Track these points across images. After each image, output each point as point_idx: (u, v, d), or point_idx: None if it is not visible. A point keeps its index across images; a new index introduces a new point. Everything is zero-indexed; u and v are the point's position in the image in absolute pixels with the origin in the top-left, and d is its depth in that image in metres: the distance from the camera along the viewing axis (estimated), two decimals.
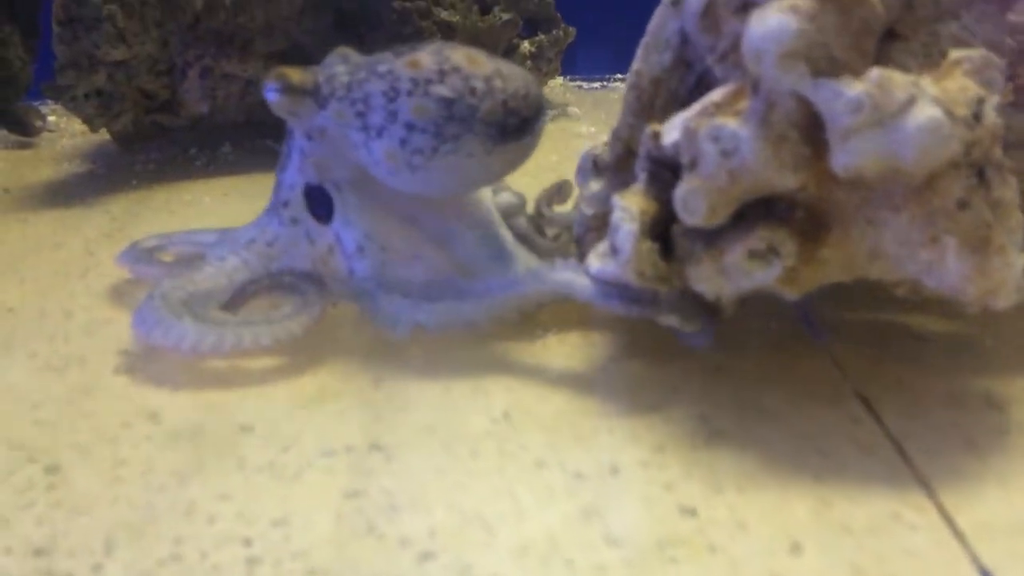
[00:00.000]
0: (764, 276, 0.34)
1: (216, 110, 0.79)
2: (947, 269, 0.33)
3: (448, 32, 0.83)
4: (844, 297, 0.41)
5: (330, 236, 0.44)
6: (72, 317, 0.48)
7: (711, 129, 0.34)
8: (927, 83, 0.34)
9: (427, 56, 0.41)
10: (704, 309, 0.38)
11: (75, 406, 0.39)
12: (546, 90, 1.05)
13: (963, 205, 0.33)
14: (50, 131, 0.94)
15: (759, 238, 0.34)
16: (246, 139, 0.85)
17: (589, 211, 0.47)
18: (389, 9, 0.79)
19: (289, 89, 0.42)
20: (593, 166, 0.49)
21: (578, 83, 1.15)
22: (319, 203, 0.44)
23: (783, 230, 0.34)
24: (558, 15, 0.98)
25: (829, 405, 0.37)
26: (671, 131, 0.37)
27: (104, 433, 0.37)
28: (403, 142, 0.40)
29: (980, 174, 0.34)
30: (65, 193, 0.72)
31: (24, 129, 0.91)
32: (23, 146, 0.89)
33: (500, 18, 0.91)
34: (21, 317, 0.49)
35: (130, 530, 0.31)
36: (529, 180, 0.47)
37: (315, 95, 0.42)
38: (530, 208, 0.50)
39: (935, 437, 0.35)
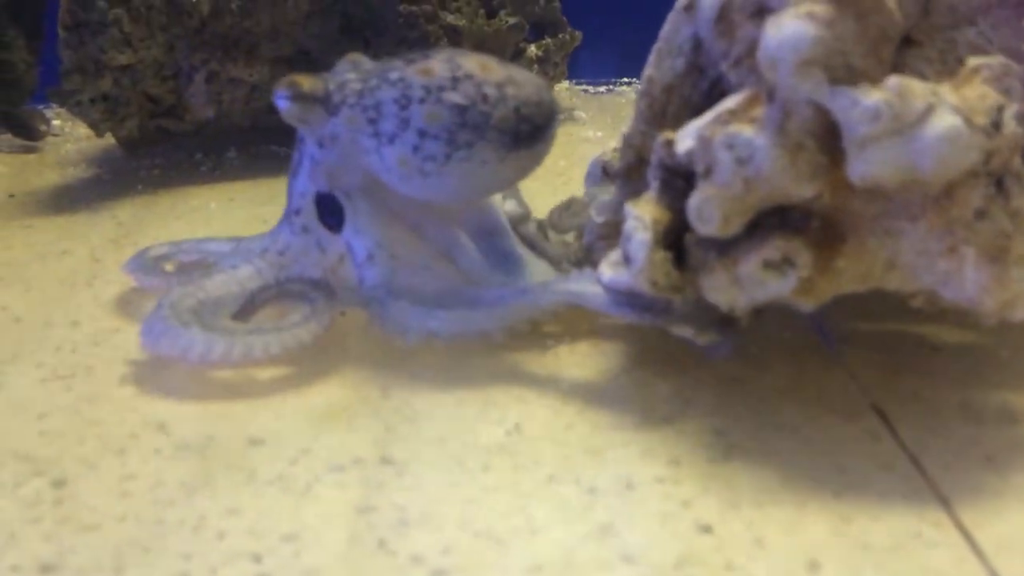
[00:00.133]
0: (779, 287, 0.34)
1: (222, 115, 0.79)
2: (965, 280, 0.33)
3: (454, 36, 0.83)
4: (857, 307, 0.41)
5: (341, 245, 0.43)
6: (79, 326, 0.48)
7: (726, 137, 0.34)
8: (946, 91, 0.33)
9: (439, 63, 0.40)
10: (719, 319, 0.38)
11: (82, 417, 0.39)
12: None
13: (981, 215, 0.33)
14: (55, 135, 0.93)
15: (774, 248, 0.34)
16: (252, 144, 0.84)
17: (600, 219, 0.46)
18: (395, 13, 0.79)
19: (300, 96, 0.42)
20: (603, 173, 0.49)
21: (584, 87, 1.15)
22: (330, 212, 0.44)
23: (798, 240, 0.34)
24: (564, 19, 0.98)
25: (846, 419, 0.36)
26: (685, 139, 0.36)
27: (112, 445, 0.37)
28: (415, 148, 0.40)
29: (999, 183, 0.34)
30: (70, 198, 0.72)
31: (29, 133, 0.90)
32: (28, 150, 0.89)
33: (506, 22, 0.90)
34: (27, 326, 0.48)
35: (139, 546, 0.30)
36: (537, 184, 0.47)
37: (325, 102, 0.42)
38: (539, 214, 0.50)
39: (953, 452, 0.34)
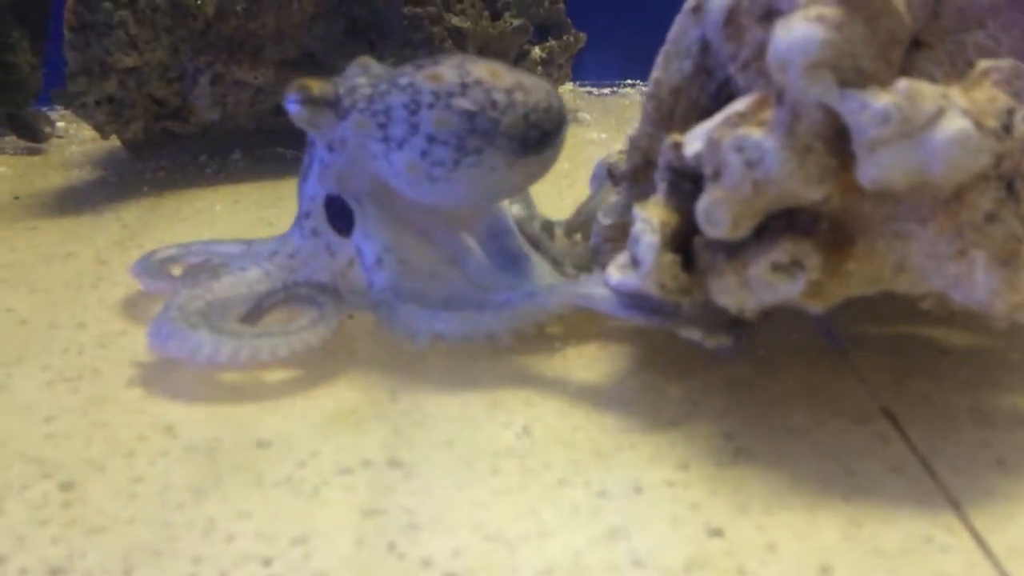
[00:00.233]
0: (788, 290, 0.34)
1: (226, 117, 0.79)
2: (975, 283, 0.33)
3: (459, 38, 0.83)
4: (864, 310, 0.41)
5: (350, 249, 0.43)
6: (85, 328, 0.48)
7: (735, 139, 0.34)
8: (956, 94, 0.33)
9: (448, 69, 0.41)
10: (728, 322, 0.37)
11: (89, 419, 0.39)
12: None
13: (992, 218, 0.33)
14: (59, 137, 0.93)
15: (783, 251, 0.34)
16: (256, 146, 0.84)
17: (607, 221, 0.46)
18: (400, 15, 0.79)
19: (310, 100, 0.42)
20: (608, 175, 0.49)
21: (588, 89, 1.14)
22: (340, 216, 0.44)
23: (808, 243, 0.34)
24: (568, 20, 0.98)
25: (855, 422, 0.36)
26: (693, 141, 0.36)
27: (119, 447, 0.37)
28: (424, 154, 0.40)
29: (1009, 187, 0.34)
30: (75, 200, 0.72)
31: (33, 135, 0.90)
32: (32, 152, 0.89)
33: (511, 24, 0.90)
34: (33, 328, 0.48)
35: (148, 550, 0.30)
36: (542, 187, 0.47)
37: (335, 106, 0.42)
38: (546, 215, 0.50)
39: (964, 455, 0.34)
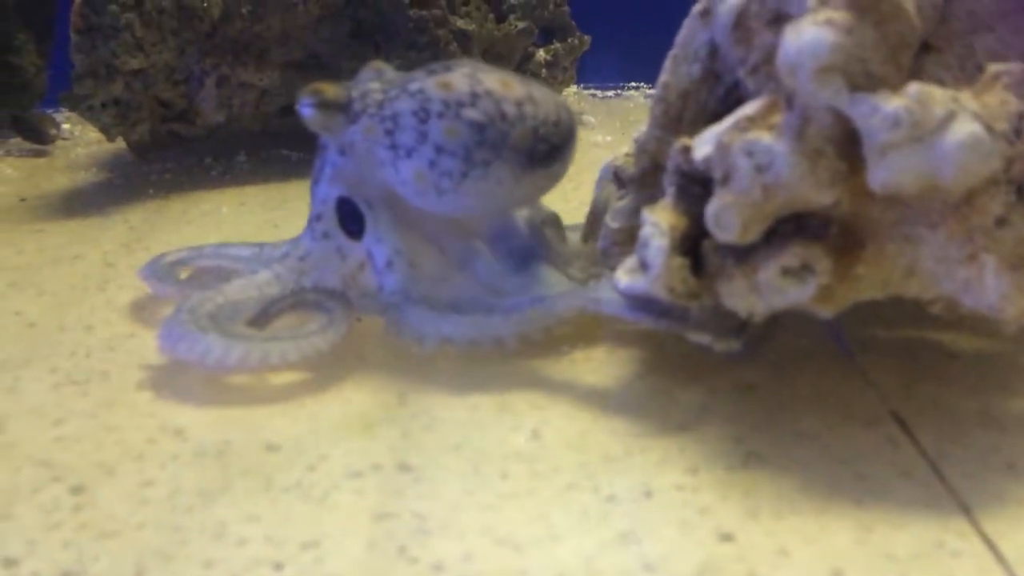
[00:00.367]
0: (798, 294, 0.34)
1: (232, 119, 0.79)
2: (985, 287, 0.33)
3: (464, 40, 0.83)
4: (873, 313, 0.41)
5: (361, 252, 0.43)
6: (93, 331, 0.48)
7: (745, 143, 0.34)
8: (966, 98, 0.33)
9: (459, 77, 0.41)
10: (737, 326, 0.37)
11: (98, 422, 0.39)
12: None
13: (1002, 223, 0.33)
14: (64, 139, 0.93)
15: (793, 255, 0.34)
16: (262, 148, 0.84)
17: (615, 224, 0.46)
18: (405, 18, 0.79)
19: (323, 104, 0.42)
20: (615, 178, 0.49)
21: (592, 91, 1.14)
22: (351, 219, 0.44)
23: (817, 247, 0.34)
24: (573, 23, 0.98)
25: (865, 426, 0.36)
26: (702, 145, 0.36)
27: (129, 451, 0.37)
28: (432, 164, 0.40)
29: (1020, 191, 0.34)
30: (81, 202, 0.72)
31: (39, 137, 0.90)
32: (38, 154, 0.89)
33: (516, 26, 0.90)
34: (40, 331, 0.48)
35: (159, 554, 0.30)
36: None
37: (347, 110, 0.42)
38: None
39: (974, 460, 0.34)
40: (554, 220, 0.50)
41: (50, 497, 0.34)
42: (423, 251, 0.43)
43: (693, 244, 0.36)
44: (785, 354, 0.42)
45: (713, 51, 0.41)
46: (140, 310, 0.50)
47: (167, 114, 0.78)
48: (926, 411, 0.37)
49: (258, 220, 0.67)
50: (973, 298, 0.33)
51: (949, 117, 0.32)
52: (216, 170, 0.80)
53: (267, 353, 0.39)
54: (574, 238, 0.51)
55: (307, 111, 0.42)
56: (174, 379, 0.42)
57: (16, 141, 0.91)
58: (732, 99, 0.39)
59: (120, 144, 0.81)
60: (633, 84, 1.15)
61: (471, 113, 0.40)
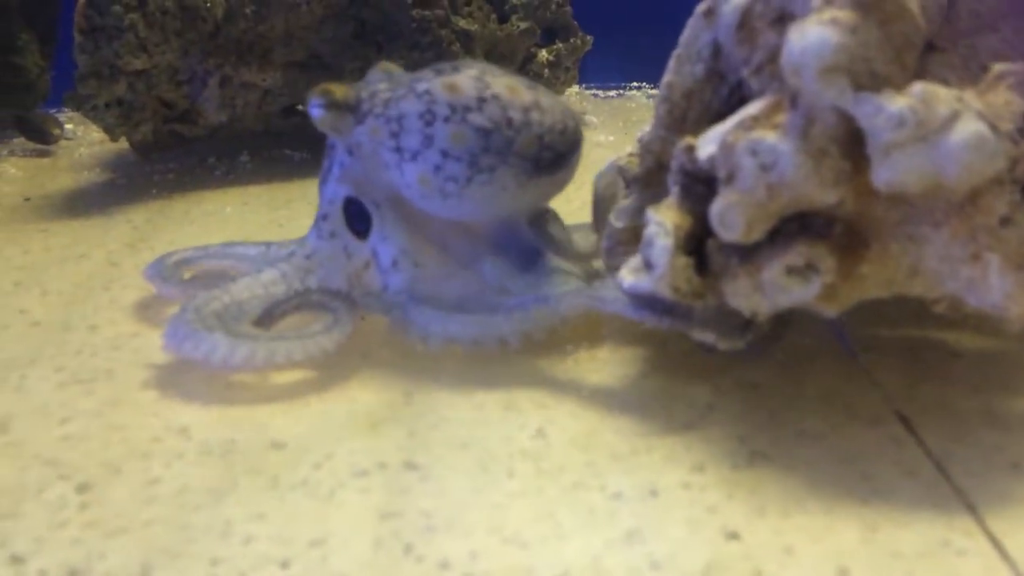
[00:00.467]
0: (803, 293, 0.34)
1: (235, 119, 0.79)
2: (989, 287, 0.33)
3: (467, 41, 0.83)
4: (876, 313, 0.41)
5: (367, 251, 0.44)
6: (97, 330, 0.48)
7: (749, 143, 0.34)
8: (971, 97, 0.33)
9: (467, 80, 0.41)
10: (740, 324, 0.38)
11: (104, 421, 0.39)
12: (562, 99, 1.05)
13: (1006, 222, 0.33)
14: (68, 139, 0.94)
15: (797, 254, 0.34)
16: (264, 148, 0.84)
17: (619, 224, 0.46)
18: (408, 18, 0.79)
19: (333, 105, 0.42)
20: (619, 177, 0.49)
21: (594, 91, 1.15)
22: (358, 218, 0.44)
23: (822, 246, 0.34)
24: (575, 23, 0.98)
25: (869, 425, 0.36)
26: (707, 144, 0.36)
27: (135, 449, 0.37)
28: (437, 168, 0.40)
29: None
30: (85, 202, 0.72)
31: (42, 137, 0.91)
32: (41, 154, 0.89)
33: (518, 27, 0.90)
34: (45, 330, 0.48)
35: (166, 551, 0.30)
36: None
37: (356, 111, 0.42)
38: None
39: (978, 459, 0.34)
40: (553, 215, 0.50)
41: (57, 495, 0.34)
42: (428, 251, 0.43)
43: (697, 243, 0.36)
44: (789, 353, 0.42)
45: (717, 51, 0.41)
46: (145, 309, 0.50)
47: (170, 114, 0.78)
48: (930, 410, 0.37)
49: (262, 220, 0.67)
50: (977, 297, 0.33)
51: (954, 116, 0.32)
52: (219, 170, 0.80)
53: (272, 352, 0.39)
54: (576, 237, 0.51)
55: (317, 112, 0.42)
56: (179, 378, 0.42)
57: (20, 141, 0.91)
58: (736, 99, 0.39)
59: (123, 144, 0.81)
60: (635, 84, 1.15)
61: (477, 118, 0.40)
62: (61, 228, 0.66)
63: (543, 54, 0.95)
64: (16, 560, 0.30)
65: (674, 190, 0.38)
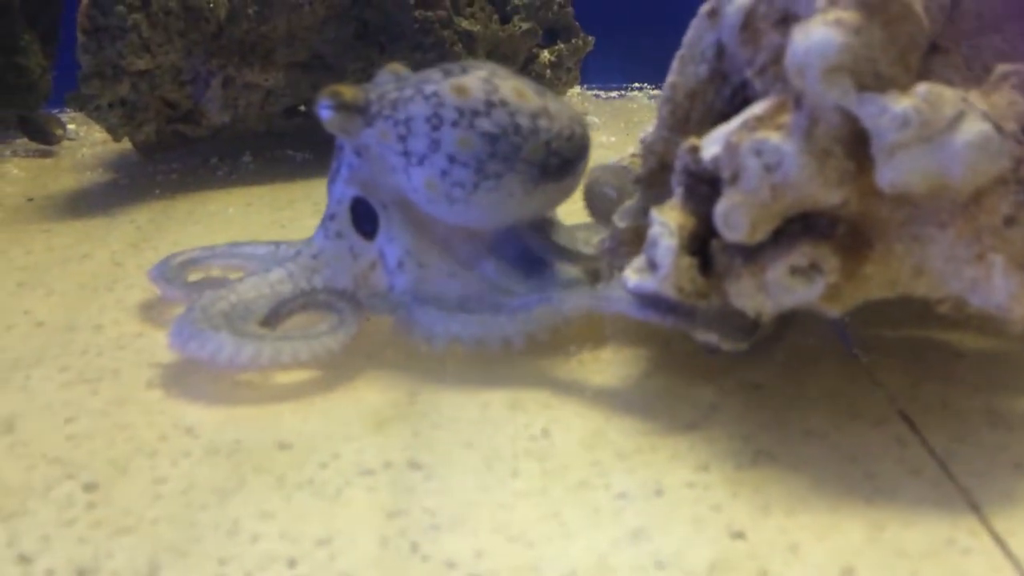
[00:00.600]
0: (806, 293, 0.34)
1: (237, 120, 0.79)
2: (993, 287, 0.33)
3: (469, 42, 0.83)
4: (878, 313, 0.41)
5: (373, 252, 0.44)
6: (102, 330, 0.48)
7: (753, 143, 0.34)
8: (975, 97, 0.34)
9: (475, 82, 0.40)
10: (745, 325, 0.38)
11: (110, 420, 0.39)
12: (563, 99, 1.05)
13: (1011, 222, 0.33)
14: (70, 140, 0.94)
15: (801, 254, 0.34)
16: (267, 149, 0.85)
17: (622, 224, 0.46)
18: (410, 19, 0.79)
19: (342, 106, 0.42)
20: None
21: (596, 92, 1.15)
22: (365, 219, 0.44)
23: (825, 246, 0.34)
24: (577, 24, 0.98)
25: (873, 425, 0.37)
26: (711, 145, 0.36)
27: (141, 448, 0.37)
28: (444, 173, 0.40)
29: None
30: (88, 203, 0.72)
31: (45, 137, 0.91)
32: (44, 155, 0.90)
33: (520, 27, 0.90)
34: (50, 330, 0.49)
35: (174, 550, 0.31)
36: None
37: (365, 113, 0.42)
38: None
39: (982, 459, 0.34)
40: (554, 216, 0.50)
41: (64, 494, 0.34)
42: (434, 252, 0.43)
43: (701, 244, 0.37)
44: (792, 354, 0.42)
45: (720, 51, 0.41)
46: (149, 309, 0.50)
47: (173, 114, 0.78)
48: (933, 410, 0.37)
49: (265, 220, 0.67)
50: (981, 297, 0.33)
51: (958, 117, 0.32)
52: (222, 170, 0.81)
53: (278, 352, 0.39)
54: (577, 237, 0.51)
55: (325, 113, 0.42)
56: (184, 378, 0.42)
57: (22, 141, 0.91)
58: (739, 100, 0.40)
59: (126, 144, 0.81)
60: (637, 85, 1.15)
61: (485, 124, 0.40)
62: (64, 228, 0.66)
63: (545, 55, 0.95)
64: (24, 559, 0.30)
65: (678, 191, 0.38)
